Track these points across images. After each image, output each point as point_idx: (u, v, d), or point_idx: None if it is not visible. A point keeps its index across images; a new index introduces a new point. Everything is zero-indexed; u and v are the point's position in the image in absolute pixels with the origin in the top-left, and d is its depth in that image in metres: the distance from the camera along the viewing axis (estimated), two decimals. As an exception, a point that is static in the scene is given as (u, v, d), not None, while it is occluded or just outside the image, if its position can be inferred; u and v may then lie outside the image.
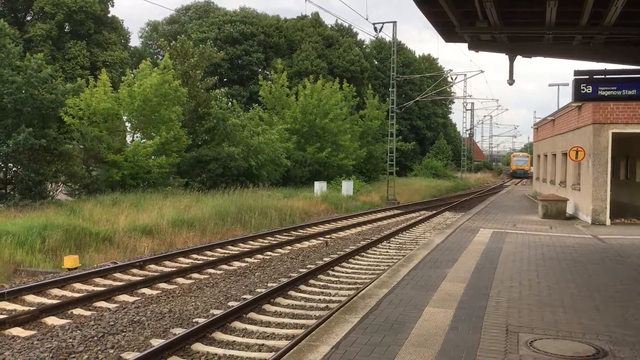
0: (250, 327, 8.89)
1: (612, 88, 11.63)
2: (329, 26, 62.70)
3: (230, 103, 35.65)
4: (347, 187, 33.98)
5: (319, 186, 32.35)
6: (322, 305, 10.32)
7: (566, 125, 24.86)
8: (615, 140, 19.61)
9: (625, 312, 7.77)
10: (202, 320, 8.93)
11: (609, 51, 12.19)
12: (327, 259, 14.68)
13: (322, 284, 12.18)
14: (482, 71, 42.75)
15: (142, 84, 25.88)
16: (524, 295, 8.61)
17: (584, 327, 7.00)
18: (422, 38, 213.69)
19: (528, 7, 10.12)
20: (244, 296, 10.80)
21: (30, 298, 10.48)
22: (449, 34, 11.98)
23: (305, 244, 17.63)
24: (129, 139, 27.96)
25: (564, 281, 9.79)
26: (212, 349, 7.91)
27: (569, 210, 22.37)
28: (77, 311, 9.60)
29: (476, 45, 12.38)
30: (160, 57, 29.92)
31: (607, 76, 11.77)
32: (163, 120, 26.46)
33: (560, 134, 26.61)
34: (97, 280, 12.06)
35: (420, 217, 26.11)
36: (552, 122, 29.30)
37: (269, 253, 15.78)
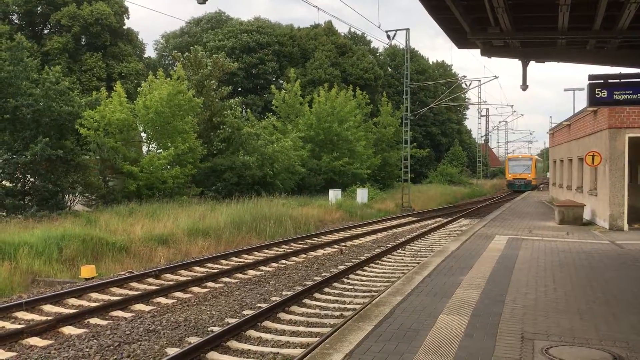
0: (265, 336, 8.90)
1: (628, 92, 11.51)
2: (342, 34, 62.88)
3: (244, 112, 35.84)
4: (361, 194, 33.96)
5: (334, 194, 32.37)
6: (337, 313, 10.31)
7: (582, 130, 24.65)
8: (632, 145, 19.39)
9: (643, 319, 7.68)
10: (217, 329, 8.96)
11: (624, 55, 12.10)
12: (342, 267, 14.67)
13: (337, 292, 12.17)
14: (496, 77, 42.72)
15: (153, 97, 26.10)
16: (540, 302, 8.54)
17: (600, 334, 6.92)
18: (434, 45, 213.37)
19: (540, 12, 10.09)
20: (259, 305, 10.82)
21: (48, 308, 10.59)
22: (461, 40, 11.97)
23: (320, 252, 17.63)
24: (144, 149, 28.21)
25: (581, 287, 9.69)
26: (227, 358, 7.93)
27: (586, 215, 22.14)
28: (94, 320, 9.68)
29: (489, 51, 12.35)
30: (174, 69, 30.20)
31: (622, 80, 11.67)
32: (178, 131, 26.67)
33: (576, 139, 26.40)
34: (114, 289, 12.15)
35: (435, 224, 25.99)
36: (568, 127, 29.07)
37: (283, 261, 15.80)
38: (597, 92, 11.51)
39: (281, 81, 52.41)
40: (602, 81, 11.54)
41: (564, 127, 30.98)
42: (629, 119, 19.07)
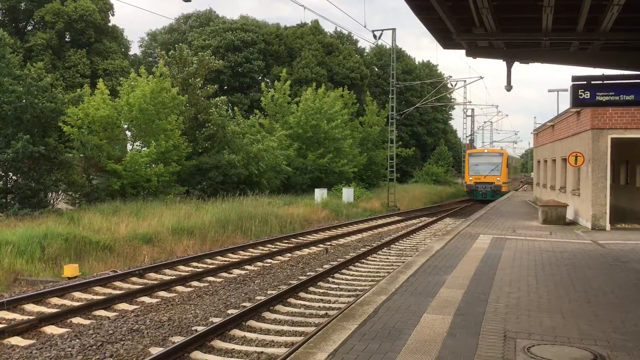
0: (249, 335, 8.89)
1: (610, 93, 11.62)
2: (329, 34, 62.86)
3: (230, 110, 35.68)
4: (347, 194, 34.01)
5: (320, 193, 32.38)
6: (322, 312, 10.32)
7: (565, 130, 24.88)
8: (614, 145, 19.61)
9: (623, 318, 7.76)
10: (201, 329, 8.93)
11: (606, 56, 12.21)
12: (327, 266, 14.68)
13: (321, 291, 12.18)
14: (481, 77, 42.83)
15: (135, 95, 25.88)
16: (523, 301, 8.61)
17: (582, 333, 6.99)
18: (420, 45, 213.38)
19: (524, 14, 10.14)
20: (244, 304, 10.80)
21: (30, 307, 10.48)
22: (446, 40, 12.01)
23: (306, 251, 17.63)
24: (129, 147, 27.99)
25: (563, 287, 9.78)
26: (211, 357, 7.91)
27: (569, 215, 22.35)
28: (77, 320, 9.60)
29: (474, 51, 12.40)
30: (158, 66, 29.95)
31: (605, 81, 11.76)
32: (162, 128, 26.48)
33: (559, 140, 26.64)
34: (97, 289, 12.06)
35: (420, 224, 26.09)
36: (552, 127, 29.33)
37: (269, 260, 15.78)
38: (580, 93, 11.61)
39: (267, 80, 52.28)
40: (585, 82, 11.64)
41: (547, 128, 31.24)
42: (611, 119, 19.28)
